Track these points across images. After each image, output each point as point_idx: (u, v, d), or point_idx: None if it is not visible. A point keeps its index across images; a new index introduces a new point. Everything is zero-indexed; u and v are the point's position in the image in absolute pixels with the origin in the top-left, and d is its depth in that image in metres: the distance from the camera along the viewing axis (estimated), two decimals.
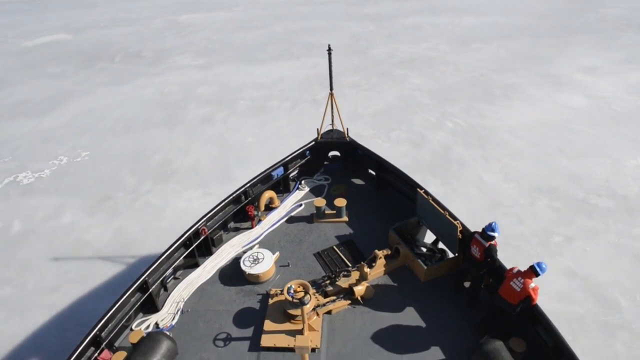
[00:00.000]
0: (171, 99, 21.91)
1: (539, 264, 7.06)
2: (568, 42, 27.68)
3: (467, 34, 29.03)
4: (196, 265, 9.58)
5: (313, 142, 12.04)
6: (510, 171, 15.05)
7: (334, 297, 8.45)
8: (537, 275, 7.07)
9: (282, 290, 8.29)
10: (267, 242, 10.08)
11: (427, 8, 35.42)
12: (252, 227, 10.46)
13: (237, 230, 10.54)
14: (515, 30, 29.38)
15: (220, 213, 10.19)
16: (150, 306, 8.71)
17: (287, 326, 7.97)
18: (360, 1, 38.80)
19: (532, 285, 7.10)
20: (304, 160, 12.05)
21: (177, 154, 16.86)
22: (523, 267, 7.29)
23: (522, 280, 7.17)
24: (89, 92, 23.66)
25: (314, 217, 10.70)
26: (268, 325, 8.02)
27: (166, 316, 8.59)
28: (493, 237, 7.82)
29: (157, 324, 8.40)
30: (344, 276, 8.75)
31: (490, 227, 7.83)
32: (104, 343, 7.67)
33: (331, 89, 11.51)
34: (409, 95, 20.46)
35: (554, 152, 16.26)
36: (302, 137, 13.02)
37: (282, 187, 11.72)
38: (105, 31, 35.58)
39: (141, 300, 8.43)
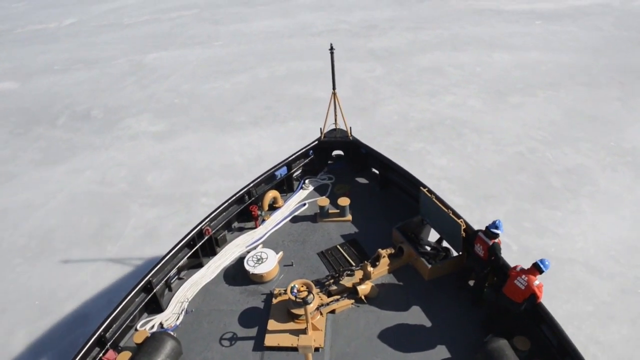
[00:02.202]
0: (110, 194, 18.16)
1: (542, 261, 7.51)
2: (637, 92, 22.66)
3: (501, 80, 24.15)
4: (200, 265, 10.11)
5: (316, 142, 12.60)
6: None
7: (338, 297, 8.88)
8: (540, 272, 7.51)
9: (285, 290, 8.64)
10: (270, 242, 10.58)
11: (446, 40, 30.63)
12: (255, 227, 11.06)
13: (241, 230, 11.08)
14: (563, 74, 24.43)
15: (224, 213, 10.74)
16: (155, 306, 9.14)
17: (290, 326, 8.39)
18: (364, 30, 34.13)
19: (537, 282, 7.50)
20: (307, 160, 12.68)
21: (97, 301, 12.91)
22: (526, 265, 7.69)
23: (526, 278, 7.53)
24: (10, 177, 19.34)
25: (317, 216, 11.24)
26: (272, 324, 8.46)
27: (170, 316, 9.04)
28: (497, 235, 8.24)
29: (161, 324, 8.85)
30: (348, 275, 9.25)
31: (494, 225, 8.25)
32: (109, 343, 8.09)
33: (334, 87, 12.12)
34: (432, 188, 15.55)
35: None
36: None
37: (286, 186, 12.31)
38: (57, 78, 31.51)
39: (145, 300, 8.90)
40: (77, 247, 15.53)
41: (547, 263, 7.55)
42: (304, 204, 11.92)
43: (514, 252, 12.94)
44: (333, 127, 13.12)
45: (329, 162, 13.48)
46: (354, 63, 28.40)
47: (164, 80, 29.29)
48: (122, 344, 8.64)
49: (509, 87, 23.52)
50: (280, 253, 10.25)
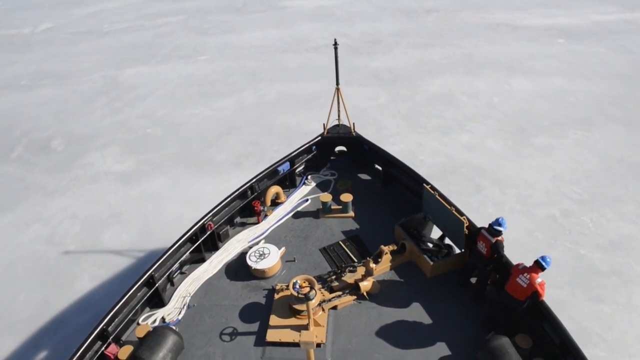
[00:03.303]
0: (57, 258, 15.56)
1: (543, 258, 7.71)
2: None
3: (523, 114, 21.49)
4: (202, 260, 10.44)
5: (319, 137, 13.06)
6: None
7: (340, 293, 9.18)
8: (542, 269, 7.70)
9: (287, 286, 8.86)
10: (273, 237, 10.96)
11: (458, 61, 28.00)
12: (258, 222, 11.42)
13: (243, 225, 11.47)
14: (594, 107, 21.79)
15: (227, 208, 11.11)
16: (157, 301, 9.47)
17: (292, 321, 8.60)
18: (366, 46, 31.49)
19: (539, 280, 7.70)
20: (310, 156, 13.11)
21: None
22: (529, 263, 7.83)
23: (528, 276, 7.73)
24: None
25: (320, 212, 11.61)
26: (274, 320, 8.67)
27: (172, 311, 9.32)
28: (500, 233, 8.47)
29: (163, 319, 9.16)
30: (350, 271, 9.56)
31: (497, 222, 8.46)
32: (111, 337, 8.35)
33: (337, 83, 12.69)
34: None
35: None
36: None
37: (289, 182, 12.75)
38: (21, 96, 28.97)
39: (148, 294, 9.18)
40: (7, 336, 12.84)
41: (548, 260, 7.74)
42: (307, 200, 12.26)
43: None
44: (336, 122, 13.44)
45: (332, 158, 13.84)
46: (355, 87, 25.73)
47: (139, 103, 26.64)
48: (124, 338, 8.84)
49: (532, 124, 20.88)
50: (283, 249, 10.51)
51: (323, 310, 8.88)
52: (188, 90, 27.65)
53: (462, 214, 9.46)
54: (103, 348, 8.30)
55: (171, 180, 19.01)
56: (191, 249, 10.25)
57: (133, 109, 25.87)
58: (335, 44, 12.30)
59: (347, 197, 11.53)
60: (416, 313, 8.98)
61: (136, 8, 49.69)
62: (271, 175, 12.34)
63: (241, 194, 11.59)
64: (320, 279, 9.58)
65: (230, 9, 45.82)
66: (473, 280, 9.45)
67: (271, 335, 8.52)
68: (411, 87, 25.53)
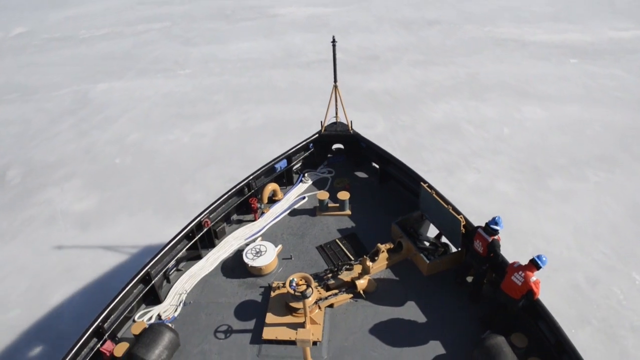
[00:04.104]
0: None
1: (539, 257, 7.96)
2: None
3: (537, 150, 19.65)
4: (199, 257, 10.67)
5: (317, 135, 13.44)
6: None
7: (336, 291, 9.42)
8: (538, 268, 7.92)
9: (284, 283, 9.23)
10: (269, 235, 11.23)
11: (463, 82, 26.22)
12: (255, 220, 11.72)
13: (240, 222, 11.75)
14: (615, 142, 19.89)
15: (223, 205, 11.37)
16: (153, 298, 9.68)
17: (289, 319, 8.86)
18: (363, 63, 29.70)
19: (534, 278, 7.93)
20: (307, 153, 13.48)
21: None
22: (524, 262, 8.08)
23: (523, 274, 7.96)
24: None
25: (316, 210, 11.93)
26: (270, 318, 8.94)
27: (168, 308, 9.58)
28: (496, 232, 8.72)
29: (159, 316, 9.38)
30: (347, 270, 9.79)
31: (493, 221, 8.73)
32: (107, 334, 8.54)
33: (335, 80, 13.12)
34: None
35: None
36: None
37: (286, 179, 13.10)
38: None
39: (144, 291, 9.40)
40: None
41: (544, 259, 7.96)
42: (304, 197, 12.52)
43: None
44: (334, 120, 13.76)
45: (329, 155, 14.10)
46: (350, 112, 23.64)
47: (109, 124, 24.68)
48: (120, 335, 8.98)
49: (548, 163, 19.08)
50: (279, 246, 10.75)
51: (319, 308, 9.12)
52: (165, 110, 25.70)
53: (459, 213, 9.71)
54: (99, 345, 8.44)
55: (136, 225, 17.06)
56: (187, 246, 10.44)
57: (102, 133, 23.90)
58: (334, 41, 12.65)
59: (344, 195, 11.82)
60: (412, 311, 9.20)
61: (118, 12, 47.77)
62: (268, 172, 12.59)
63: (238, 191, 11.82)
64: (316, 276, 9.84)
65: (219, 16, 43.93)
66: (469, 279, 9.69)
67: (267, 333, 8.72)
68: (412, 113, 23.71)
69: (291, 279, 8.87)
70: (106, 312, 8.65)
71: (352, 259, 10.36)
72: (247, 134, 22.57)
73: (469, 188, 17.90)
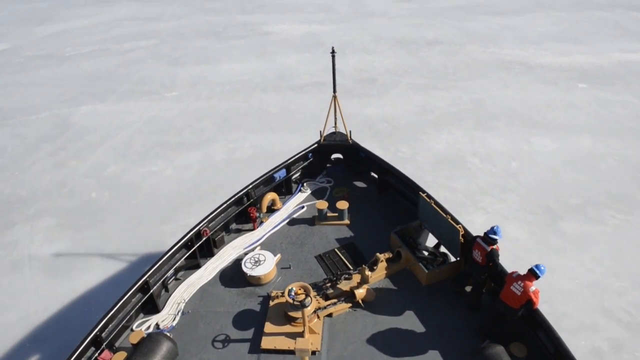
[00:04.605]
0: None
1: (537, 266, 8.12)
2: None
3: (548, 188, 18.34)
4: (197, 266, 10.86)
5: (316, 145, 13.77)
6: None
7: (335, 300, 9.60)
8: (537, 277, 8.10)
9: (283, 293, 9.38)
10: (268, 244, 11.48)
11: (467, 109, 25.10)
12: (253, 229, 11.97)
13: (239, 231, 11.99)
14: (632, 178, 18.64)
15: (222, 214, 11.60)
16: (151, 307, 9.85)
17: (287, 328, 8.99)
18: (360, 86, 28.65)
19: (533, 288, 8.10)
20: (306, 163, 13.86)
21: None
22: (523, 271, 8.26)
23: (522, 284, 8.15)
24: None
25: (315, 219, 12.20)
26: (269, 327, 9.07)
27: (167, 317, 9.70)
28: (495, 241, 9.00)
29: (157, 325, 9.51)
30: (345, 279, 9.97)
31: (492, 231, 9.01)
32: (105, 343, 8.67)
33: (334, 91, 13.34)
34: None
35: None
36: None
37: (285, 189, 13.41)
38: None
39: (142, 300, 9.54)
40: None
41: (542, 268, 8.15)
42: (303, 207, 12.77)
43: None
44: (333, 130, 14.05)
45: (328, 165, 14.39)
46: None
47: (88, 153, 23.41)
48: (117, 344, 9.12)
49: (561, 202, 17.90)
50: (278, 255, 10.92)
51: (318, 317, 9.23)
52: (148, 138, 24.46)
53: (457, 223, 9.92)
54: (96, 354, 8.52)
55: (109, 274, 15.77)
56: (186, 255, 10.59)
57: (80, 163, 22.63)
58: (333, 52, 12.76)
59: (343, 205, 12.05)
60: (411, 321, 9.32)
61: (105, 28, 46.70)
62: (267, 181, 12.83)
63: (237, 201, 12.02)
64: (315, 286, 9.90)
65: (209, 33, 42.91)
66: (468, 288, 9.84)
67: (266, 343, 8.81)
68: (412, 144, 22.56)
69: (290, 288, 9.11)
70: (104, 321, 8.72)
71: (351, 268, 10.57)
72: (234, 167, 21.32)
73: (476, 232, 16.58)
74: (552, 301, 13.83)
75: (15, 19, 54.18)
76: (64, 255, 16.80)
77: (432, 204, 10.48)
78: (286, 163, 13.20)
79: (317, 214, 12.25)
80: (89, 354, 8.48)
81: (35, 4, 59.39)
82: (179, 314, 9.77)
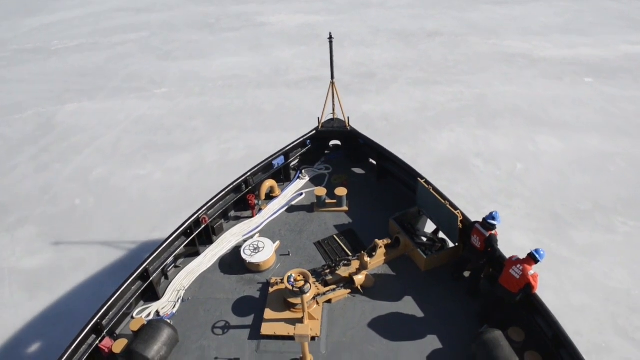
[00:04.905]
0: None
1: (537, 251, 8.31)
2: None
3: (556, 192, 17.38)
4: (197, 253, 11.05)
5: (314, 131, 13.92)
6: None
7: (334, 286, 9.78)
8: (536, 262, 8.28)
9: (282, 279, 9.56)
10: (267, 231, 11.62)
11: (469, 105, 24.25)
12: (252, 216, 12.11)
13: (238, 219, 12.14)
14: None
15: (221, 202, 11.72)
16: (151, 294, 10.02)
17: (287, 315, 9.14)
18: (358, 81, 27.86)
19: (532, 272, 8.27)
20: (304, 150, 13.98)
21: None
22: (522, 255, 8.44)
23: (521, 268, 8.32)
24: None
25: (314, 206, 12.34)
26: (268, 313, 9.23)
27: (167, 304, 9.87)
28: (494, 227, 9.16)
29: (157, 312, 9.69)
30: (344, 265, 10.17)
31: (491, 216, 9.15)
32: (105, 331, 8.79)
33: (332, 77, 13.51)
34: None
35: None
36: None
37: (283, 176, 13.57)
38: None
39: (142, 288, 9.72)
40: None
41: (542, 252, 8.30)
42: (301, 194, 12.85)
43: None
44: (331, 116, 14.14)
45: (327, 152, 14.51)
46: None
47: (73, 155, 22.59)
48: (118, 331, 9.28)
49: (569, 208, 17.17)
50: (277, 242, 11.08)
51: (317, 303, 9.37)
52: (136, 139, 23.62)
53: (456, 208, 9.98)
54: (97, 342, 8.61)
55: (92, 288, 14.99)
56: (185, 243, 10.75)
57: (64, 166, 21.80)
58: (330, 37, 12.87)
59: (341, 191, 12.17)
60: (410, 306, 9.44)
61: (95, 20, 45.61)
62: (265, 169, 12.93)
63: (235, 188, 12.11)
64: (314, 272, 10.06)
65: (201, 24, 41.85)
66: (467, 274, 9.95)
67: (266, 329, 8.94)
68: (413, 144, 21.77)
69: (289, 274, 9.18)
70: (104, 308, 8.82)
71: (350, 254, 10.68)
72: (226, 170, 20.42)
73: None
74: (562, 318, 13.10)
75: (3, 10, 53.01)
76: (44, 269, 16.08)
77: (431, 190, 10.60)
78: (284, 150, 13.24)
79: (315, 201, 12.40)
80: (90, 341, 8.59)
81: None
82: (179, 301, 9.94)
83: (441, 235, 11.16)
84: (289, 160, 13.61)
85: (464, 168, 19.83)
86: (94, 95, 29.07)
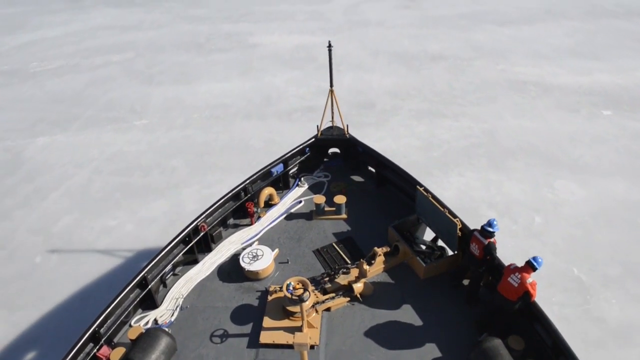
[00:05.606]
0: None
1: (535, 258, 8.48)
2: None
3: (580, 252, 15.68)
4: (195, 261, 11.26)
5: (313, 139, 14.26)
6: None
7: (333, 294, 9.96)
8: (534, 269, 8.48)
9: (281, 287, 9.68)
10: (266, 239, 11.85)
11: (479, 143, 22.45)
12: (251, 224, 12.41)
13: (237, 226, 12.40)
14: None
15: (220, 209, 12.04)
16: (150, 302, 10.16)
17: (286, 323, 9.30)
18: (356, 112, 26.18)
19: (530, 280, 8.46)
20: (303, 157, 14.32)
21: None
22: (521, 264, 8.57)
23: (520, 276, 8.49)
24: None
25: (313, 214, 12.61)
26: (267, 322, 9.38)
27: (165, 312, 10.01)
28: (492, 234, 9.33)
29: (156, 320, 9.85)
30: (343, 273, 10.37)
31: (489, 224, 9.31)
32: (103, 339, 8.91)
33: (331, 84, 13.67)
34: None
35: None
36: None
37: (282, 183, 13.84)
38: None
39: (140, 296, 9.88)
40: None
41: (540, 260, 8.46)
42: (300, 202, 13.24)
43: None
44: (330, 124, 14.67)
45: (325, 159, 14.99)
46: None
47: (38, 201, 20.67)
48: (116, 339, 9.40)
49: (596, 274, 15.36)
50: (276, 250, 11.30)
51: (316, 312, 9.58)
52: (109, 180, 21.74)
53: (455, 216, 10.26)
54: (95, 350, 8.75)
55: None
56: (184, 250, 10.87)
57: (27, 214, 19.89)
58: (329, 46, 13.10)
59: (340, 199, 12.40)
60: (409, 315, 9.64)
61: (78, 39, 43.88)
62: (265, 176, 13.15)
63: (234, 196, 12.33)
64: (313, 280, 10.27)
65: (190, 44, 40.14)
66: (466, 282, 10.15)
67: (265, 337, 9.09)
68: None
69: (288, 282, 9.28)
70: (102, 316, 8.89)
71: (349, 262, 10.88)
72: None
73: None
74: None
75: None
76: None
77: (430, 198, 10.73)
78: (283, 158, 13.44)
79: (314, 209, 12.60)
80: (87, 349, 8.66)
81: (6, 10, 56.47)
82: (177, 309, 10.06)
83: (440, 243, 11.37)
84: (288, 168, 13.86)
85: (476, 221, 17.82)
86: (67, 127, 27.22)
